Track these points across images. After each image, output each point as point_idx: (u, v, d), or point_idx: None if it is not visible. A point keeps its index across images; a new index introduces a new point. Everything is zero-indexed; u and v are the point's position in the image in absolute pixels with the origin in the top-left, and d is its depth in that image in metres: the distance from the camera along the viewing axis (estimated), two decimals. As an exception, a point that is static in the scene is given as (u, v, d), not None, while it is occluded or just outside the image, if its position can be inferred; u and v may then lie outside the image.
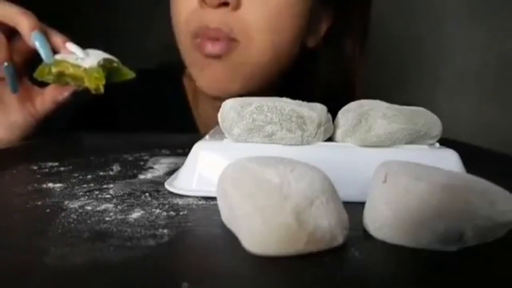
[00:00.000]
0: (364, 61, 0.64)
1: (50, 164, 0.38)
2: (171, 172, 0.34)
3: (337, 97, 0.60)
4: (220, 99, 0.57)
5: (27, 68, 0.46)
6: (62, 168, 0.36)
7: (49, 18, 0.44)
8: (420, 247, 0.19)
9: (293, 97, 0.29)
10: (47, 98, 0.46)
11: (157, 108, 0.64)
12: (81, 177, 0.33)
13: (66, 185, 0.30)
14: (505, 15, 0.89)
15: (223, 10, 0.49)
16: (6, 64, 0.42)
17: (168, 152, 0.45)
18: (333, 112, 0.30)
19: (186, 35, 0.52)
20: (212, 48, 0.50)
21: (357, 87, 0.63)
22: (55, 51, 0.44)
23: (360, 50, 0.62)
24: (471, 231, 0.19)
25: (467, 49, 0.91)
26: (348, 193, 0.24)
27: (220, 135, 0.30)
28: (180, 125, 0.63)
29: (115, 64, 0.46)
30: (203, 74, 0.53)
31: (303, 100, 0.29)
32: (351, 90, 0.63)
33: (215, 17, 0.49)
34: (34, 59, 0.45)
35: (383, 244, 0.20)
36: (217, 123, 0.28)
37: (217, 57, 0.50)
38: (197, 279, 0.16)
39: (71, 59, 0.44)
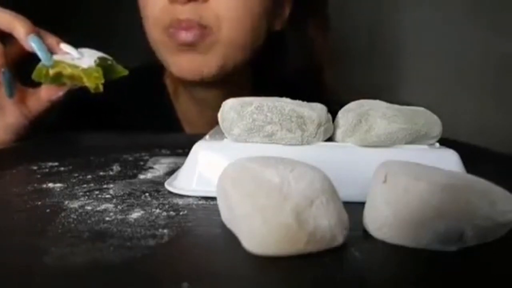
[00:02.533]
0: (329, 44, 0.66)
1: (50, 164, 0.38)
2: (171, 172, 0.34)
3: (306, 81, 0.63)
4: (197, 85, 0.59)
5: (17, 71, 0.46)
6: (62, 168, 0.36)
7: (35, 19, 0.45)
8: (420, 247, 0.19)
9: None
10: (42, 98, 0.46)
11: (140, 106, 0.65)
12: (81, 177, 0.33)
13: (66, 185, 0.30)
14: (505, 15, 0.89)
15: (192, 5, 0.50)
16: (3, 70, 0.42)
17: (168, 152, 0.45)
18: (333, 112, 0.30)
19: (157, 29, 0.53)
20: (185, 36, 0.51)
21: (326, 72, 0.66)
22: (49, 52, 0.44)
23: (322, 32, 0.64)
24: (471, 231, 0.19)
25: (467, 49, 0.91)
26: (348, 193, 0.24)
27: (220, 135, 0.30)
28: (163, 121, 0.65)
29: (109, 62, 0.46)
30: (177, 61, 0.54)
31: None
32: (319, 74, 0.65)
33: (185, 10, 0.51)
34: (24, 61, 0.45)
35: (383, 244, 0.20)
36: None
37: (191, 45, 0.52)
38: (197, 279, 0.16)
39: (67, 59, 0.44)
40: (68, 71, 0.43)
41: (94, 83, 0.43)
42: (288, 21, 0.62)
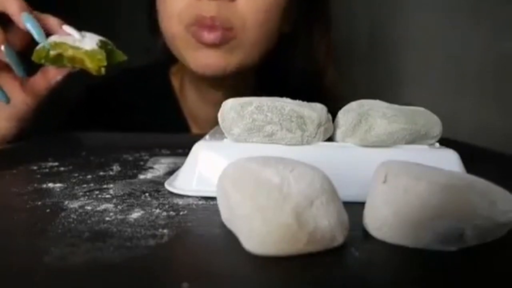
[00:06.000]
0: (332, 47, 0.66)
1: (50, 164, 0.38)
2: (171, 172, 0.34)
3: (309, 84, 0.63)
4: (206, 85, 0.59)
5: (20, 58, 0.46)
6: (62, 168, 0.36)
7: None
8: (420, 247, 0.19)
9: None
10: (41, 84, 0.46)
11: (146, 104, 0.65)
12: (81, 177, 0.33)
13: (66, 185, 0.30)
14: (505, 15, 0.89)
15: (219, 3, 0.50)
16: (3, 47, 0.42)
17: (168, 152, 0.45)
18: (333, 112, 0.30)
19: (179, 26, 0.53)
20: (208, 36, 0.51)
21: (328, 75, 0.66)
22: (51, 33, 0.44)
23: (326, 35, 0.65)
24: (471, 231, 0.19)
25: (467, 50, 0.91)
26: (348, 193, 0.24)
27: (220, 135, 0.30)
28: (170, 119, 0.65)
29: (109, 47, 0.46)
30: (197, 57, 0.54)
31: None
32: (321, 77, 0.66)
33: (212, 7, 0.50)
34: (26, 49, 0.45)
35: (383, 244, 0.20)
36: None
37: (212, 45, 0.52)
38: (197, 279, 0.16)
39: (69, 41, 0.43)
40: (69, 52, 0.43)
41: (96, 65, 0.43)
42: (294, 24, 0.62)
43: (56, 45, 0.43)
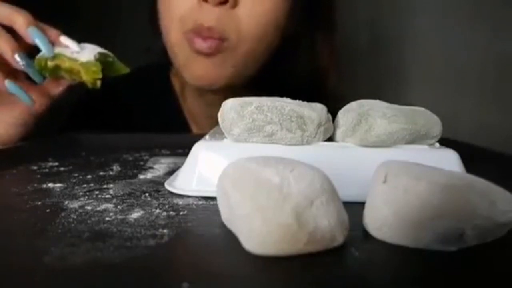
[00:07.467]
0: (335, 50, 0.66)
1: (50, 164, 0.38)
2: (171, 172, 0.34)
3: (310, 85, 0.63)
4: (206, 91, 0.59)
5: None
6: (62, 168, 0.36)
7: (44, 17, 0.44)
8: (420, 247, 0.19)
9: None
10: (43, 94, 0.46)
11: (146, 105, 0.66)
12: (81, 177, 0.33)
13: (66, 185, 0.30)
14: (505, 15, 0.89)
15: (221, 8, 0.50)
16: (17, 54, 0.42)
17: (168, 152, 0.45)
18: (333, 112, 0.30)
19: (177, 32, 0.53)
20: (201, 44, 0.51)
21: (330, 77, 0.66)
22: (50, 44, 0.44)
23: (331, 39, 0.65)
24: (471, 231, 0.19)
25: (467, 49, 0.91)
26: (348, 193, 0.24)
27: (220, 135, 0.30)
28: (170, 120, 0.65)
29: (109, 59, 0.46)
30: (190, 68, 0.54)
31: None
32: (323, 79, 0.66)
33: (212, 16, 0.50)
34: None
35: (383, 244, 0.20)
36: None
37: (205, 54, 0.52)
38: (197, 279, 0.16)
39: (67, 52, 0.44)
40: (66, 64, 0.43)
41: (92, 78, 0.43)
42: (297, 27, 0.62)
43: (54, 56, 0.43)
